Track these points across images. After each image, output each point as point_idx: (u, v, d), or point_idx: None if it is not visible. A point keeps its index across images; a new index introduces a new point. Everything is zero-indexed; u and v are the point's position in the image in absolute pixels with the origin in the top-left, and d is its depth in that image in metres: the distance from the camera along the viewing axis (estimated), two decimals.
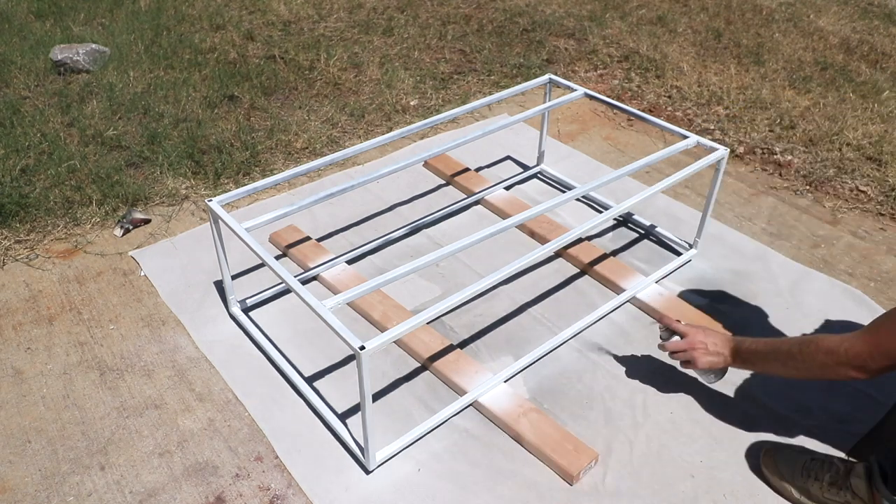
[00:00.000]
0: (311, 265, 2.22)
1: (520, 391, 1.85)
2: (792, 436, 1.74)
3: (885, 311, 1.43)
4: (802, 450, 1.64)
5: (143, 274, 2.24)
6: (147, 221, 2.46)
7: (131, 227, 2.42)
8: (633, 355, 1.97)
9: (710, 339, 1.68)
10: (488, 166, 2.81)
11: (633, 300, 2.14)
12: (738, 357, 1.65)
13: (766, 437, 1.74)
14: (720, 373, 1.72)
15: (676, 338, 1.74)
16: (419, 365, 1.93)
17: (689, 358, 1.69)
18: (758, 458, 1.66)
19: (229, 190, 2.55)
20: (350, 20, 4.13)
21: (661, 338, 1.79)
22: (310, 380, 1.88)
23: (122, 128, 2.96)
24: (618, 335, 2.03)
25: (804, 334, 1.58)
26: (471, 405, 1.81)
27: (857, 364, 1.40)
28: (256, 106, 3.17)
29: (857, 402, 1.83)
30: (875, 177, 2.75)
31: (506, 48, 3.81)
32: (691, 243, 2.33)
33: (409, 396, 1.84)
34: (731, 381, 1.88)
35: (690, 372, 1.82)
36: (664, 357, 1.95)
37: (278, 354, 1.94)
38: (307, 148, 2.89)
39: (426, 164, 2.76)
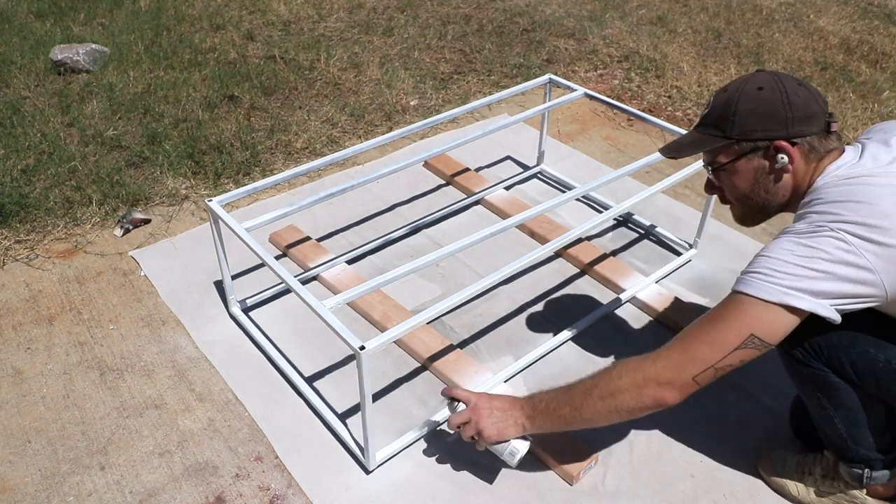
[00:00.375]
0: (311, 265, 2.22)
1: (520, 391, 1.85)
2: (792, 435, 1.74)
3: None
4: (797, 449, 1.65)
5: (143, 274, 2.24)
6: (147, 221, 2.46)
7: (131, 227, 2.42)
8: (633, 355, 1.96)
9: (494, 402, 1.50)
10: (488, 166, 2.81)
11: (633, 300, 2.14)
12: (534, 412, 1.47)
13: (766, 437, 1.74)
14: (516, 447, 1.50)
15: (462, 406, 1.54)
16: (419, 365, 1.93)
17: (475, 427, 1.49)
18: (757, 458, 1.66)
19: (229, 190, 2.55)
20: (350, 20, 4.13)
21: (449, 411, 1.59)
22: (310, 380, 1.88)
23: (122, 128, 2.96)
24: (618, 335, 2.03)
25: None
26: None
27: (666, 379, 1.31)
28: (256, 106, 3.17)
29: None
30: None
31: (506, 48, 3.81)
32: (691, 243, 2.33)
33: (409, 396, 1.84)
34: (731, 381, 1.88)
35: (494, 449, 1.53)
36: None
37: (278, 354, 1.94)
38: (307, 148, 2.89)
39: (426, 164, 2.76)
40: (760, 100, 1.32)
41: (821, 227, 1.22)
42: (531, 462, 1.67)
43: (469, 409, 1.51)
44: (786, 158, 1.32)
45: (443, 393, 1.59)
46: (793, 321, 1.25)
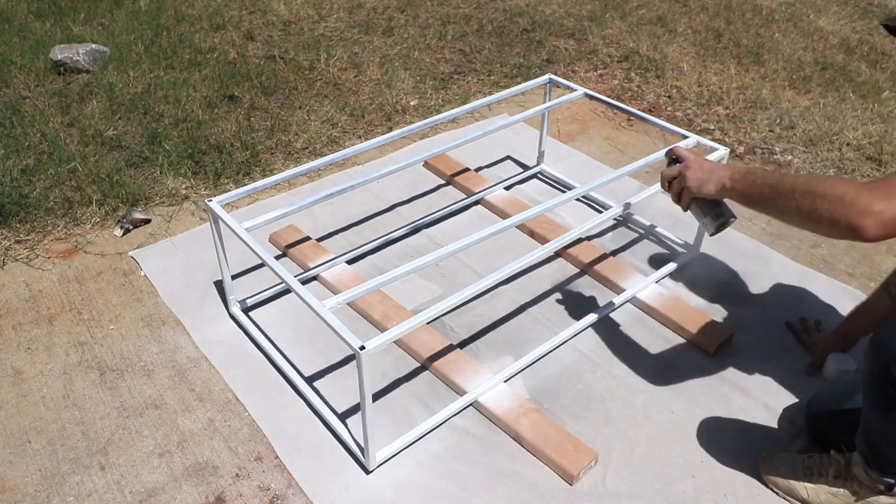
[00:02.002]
0: (311, 265, 2.22)
1: (520, 391, 1.85)
2: (793, 431, 1.74)
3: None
4: (798, 449, 1.65)
5: (143, 274, 2.24)
6: (147, 221, 2.46)
7: (131, 227, 2.42)
8: (633, 355, 1.97)
9: (707, 161, 1.55)
10: (488, 166, 2.81)
11: (633, 300, 2.14)
12: (739, 175, 1.46)
13: (766, 437, 1.74)
14: (715, 214, 1.57)
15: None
16: (419, 365, 1.93)
17: (681, 179, 1.55)
18: (758, 458, 1.66)
19: (229, 190, 2.55)
20: (350, 20, 4.13)
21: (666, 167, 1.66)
22: (310, 380, 1.88)
23: (122, 128, 2.96)
24: (618, 335, 2.03)
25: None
26: (471, 405, 1.81)
27: (877, 209, 1.20)
28: (256, 106, 3.17)
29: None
30: (875, 177, 2.75)
31: (506, 48, 3.81)
32: (691, 243, 2.33)
33: (409, 396, 1.84)
34: (731, 381, 1.88)
35: (695, 212, 1.63)
36: (664, 357, 1.96)
37: (278, 354, 1.94)
38: (307, 148, 2.89)
39: (426, 164, 2.76)
40: None
41: None
42: (531, 462, 1.67)
43: (682, 165, 1.56)
44: None
45: (667, 154, 1.66)
46: None
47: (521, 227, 2.43)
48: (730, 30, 4.12)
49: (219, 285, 2.18)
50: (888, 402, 1.33)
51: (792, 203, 1.33)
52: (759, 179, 1.42)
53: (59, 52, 3.38)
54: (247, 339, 2.00)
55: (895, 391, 1.30)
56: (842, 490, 1.51)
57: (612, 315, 2.10)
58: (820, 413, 1.67)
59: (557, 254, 2.32)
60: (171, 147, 2.82)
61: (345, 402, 1.82)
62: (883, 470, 1.44)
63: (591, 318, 2.06)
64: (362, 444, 1.64)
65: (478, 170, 2.77)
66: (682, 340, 2.01)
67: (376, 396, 1.83)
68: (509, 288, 2.20)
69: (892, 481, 1.43)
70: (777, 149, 2.91)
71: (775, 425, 1.77)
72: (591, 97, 2.41)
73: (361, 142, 2.91)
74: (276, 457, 1.68)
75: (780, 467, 1.60)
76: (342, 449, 1.70)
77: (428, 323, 1.81)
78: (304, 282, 2.19)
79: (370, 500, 1.59)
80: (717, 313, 2.10)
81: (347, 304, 1.86)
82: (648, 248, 2.38)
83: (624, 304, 2.13)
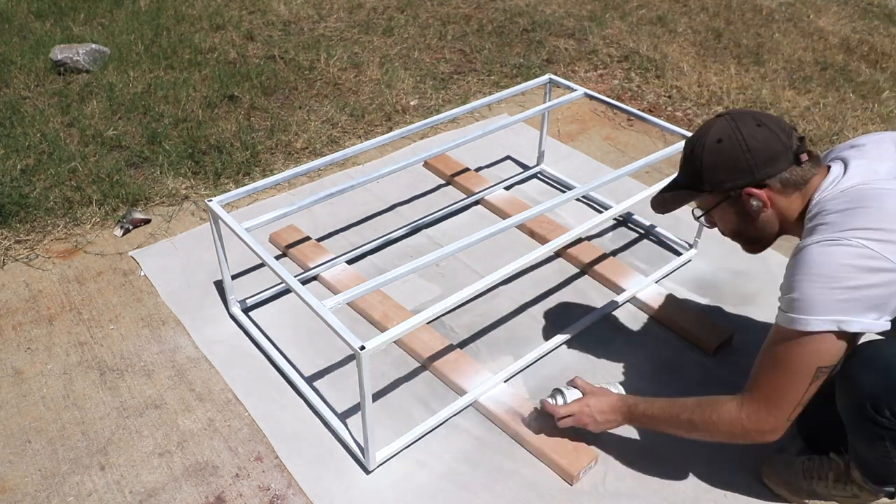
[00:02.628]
0: (311, 265, 2.22)
1: (520, 391, 1.85)
2: (790, 434, 1.74)
3: (756, 360, 1.42)
4: (796, 451, 1.65)
5: (143, 274, 2.24)
6: (147, 221, 2.46)
7: (131, 227, 2.42)
8: (633, 355, 1.96)
9: (596, 406, 1.61)
10: (488, 166, 2.81)
11: (633, 300, 2.14)
12: (634, 420, 1.59)
13: None
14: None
15: (575, 392, 1.65)
16: (419, 365, 1.93)
17: (577, 423, 1.62)
18: (758, 458, 1.66)
19: (229, 190, 2.55)
20: (350, 20, 4.13)
21: (550, 399, 1.68)
22: (310, 380, 1.88)
23: (122, 128, 2.96)
24: (618, 335, 2.03)
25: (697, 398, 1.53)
26: (471, 405, 1.81)
27: (765, 429, 1.39)
28: (256, 106, 3.17)
29: None
30: None
31: (506, 48, 3.81)
32: (691, 243, 2.33)
33: (409, 396, 1.84)
34: (731, 381, 1.88)
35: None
36: (664, 357, 1.96)
37: (278, 354, 1.94)
38: (307, 148, 2.89)
39: (426, 164, 2.76)
40: (721, 153, 1.39)
41: (837, 239, 1.26)
42: (531, 462, 1.67)
43: (576, 414, 1.61)
44: (758, 202, 1.39)
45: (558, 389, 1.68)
46: (850, 338, 1.30)
47: (521, 227, 2.43)
48: (730, 30, 4.12)
49: (219, 285, 2.18)
50: (869, 433, 1.35)
51: (694, 434, 1.49)
52: (651, 422, 1.55)
53: (59, 52, 3.38)
54: (247, 339, 2.00)
55: (874, 425, 1.33)
56: (842, 493, 1.51)
57: (612, 315, 2.10)
58: (807, 423, 1.67)
59: (557, 254, 2.32)
60: (171, 147, 2.82)
61: (345, 402, 1.82)
62: (881, 483, 1.45)
63: (591, 318, 2.06)
64: (362, 445, 1.64)
65: (478, 170, 2.77)
66: (681, 340, 2.01)
67: (376, 396, 1.83)
68: (509, 288, 2.20)
69: (892, 489, 1.44)
70: None
71: None
72: (591, 97, 2.41)
73: (361, 142, 2.91)
74: (276, 457, 1.68)
75: (780, 470, 1.60)
76: (342, 449, 1.70)
77: (428, 323, 1.81)
78: (304, 282, 2.19)
79: (370, 501, 1.59)
80: (717, 313, 2.10)
81: (347, 304, 1.86)
82: (648, 248, 2.38)
83: (624, 304, 2.13)
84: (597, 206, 2.58)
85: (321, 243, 2.34)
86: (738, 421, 1.41)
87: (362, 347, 1.41)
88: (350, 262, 2.28)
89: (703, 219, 1.54)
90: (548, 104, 2.41)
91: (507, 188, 2.66)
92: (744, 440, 1.42)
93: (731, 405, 1.42)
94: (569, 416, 1.61)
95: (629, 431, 1.75)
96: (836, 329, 1.27)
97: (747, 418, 1.39)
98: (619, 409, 1.59)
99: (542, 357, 1.95)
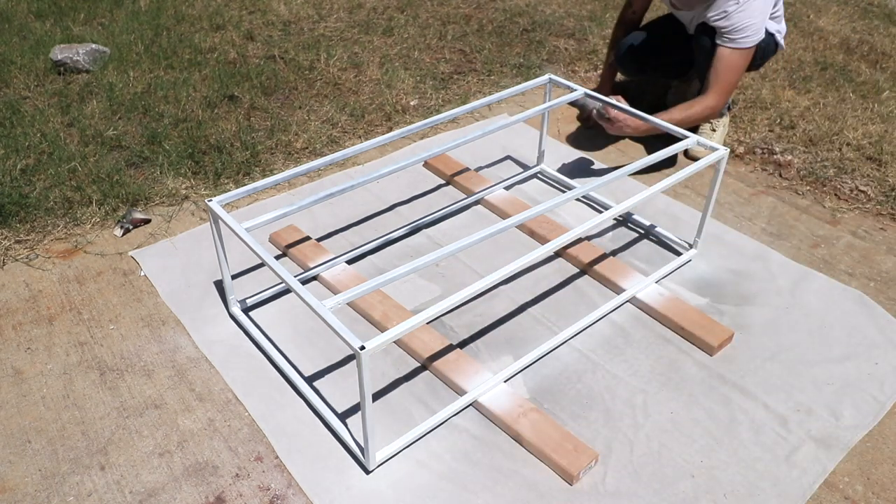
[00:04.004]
0: (311, 265, 2.22)
1: (520, 391, 1.85)
2: (791, 433, 1.74)
3: (713, 69, 2.59)
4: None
5: (143, 274, 2.24)
6: (147, 221, 2.46)
7: (131, 227, 2.42)
8: (633, 355, 1.97)
9: (624, 122, 2.55)
10: (488, 166, 2.81)
11: (633, 300, 2.14)
12: (649, 132, 2.59)
13: (766, 437, 1.74)
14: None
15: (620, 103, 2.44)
16: (419, 365, 1.93)
17: (606, 125, 2.59)
18: (757, 458, 1.66)
19: (229, 190, 2.55)
20: (350, 20, 4.13)
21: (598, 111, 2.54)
22: (310, 380, 1.88)
23: (122, 128, 2.96)
24: (618, 335, 2.03)
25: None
26: (471, 405, 1.81)
27: (719, 107, 2.60)
28: (256, 106, 3.17)
29: (859, 402, 1.83)
30: (875, 177, 2.75)
31: (506, 48, 3.81)
32: (691, 243, 2.33)
33: (409, 396, 1.84)
34: (731, 381, 1.88)
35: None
36: (664, 357, 1.96)
37: (278, 354, 1.94)
38: (307, 148, 2.89)
39: (426, 164, 2.76)
40: None
41: None
42: (531, 462, 1.67)
43: (608, 119, 2.57)
44: None
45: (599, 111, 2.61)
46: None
47: (521, 227, 2.43)
48: None
49: (219, 285, 2.18)
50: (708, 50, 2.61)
51: (682, 126, 2.34)
52: (658, 125, 2.34)
53: (59, 52, 3.39)
54: (247, 339, 2.00)
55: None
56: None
57: (612, 315, 2.10)
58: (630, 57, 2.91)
59: (557, 254, 2.33)
60: (171, 147, 2.82)
61: (345, 402, 1.82)
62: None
63: (591, 318, 2.06)
64: (362, 444, 1.64)
65: (478, 170, 2.77)
66: (682, 340, 2.01)
67: (376, 396, 1.83)
68: (509, 288, 2.20)
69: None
70: (777, 149, 2.91)
71: (776, 425, 1.77)
72: (592, 97, 2.41)
73: (361, 142, 2.91)
74: (276, 457, 1.69)
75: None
76: (342, 449, 1.70)
77: (428, 323, 1.81)
78: (304, 282, 2.19)
79: (370, 500, 1.59)
80: (717, 313, 2.10)
81: (347, 304, 1.86)
82: (648, 248, 2.38)
83: (624, 304, 2.13)
84: (597, 206, 2.58)
85: (321, 243, 2.34)
86: (708, 107, 2.58)
87: (362, 347, 1.41)
88: (350, 262, 2.28)
89: None
90: (548, 104, 2.42)
91: (507, 188, 2.66)
92: (707, 118, 2.65)
93: (705, 101, 2.58)
94: (617, 122, 2.54)
95: (629, 431, 1.75)
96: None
97: (714, 105, 2.58)
98: (640, 128, 2.56)
99: (542, 357, 1.95)
